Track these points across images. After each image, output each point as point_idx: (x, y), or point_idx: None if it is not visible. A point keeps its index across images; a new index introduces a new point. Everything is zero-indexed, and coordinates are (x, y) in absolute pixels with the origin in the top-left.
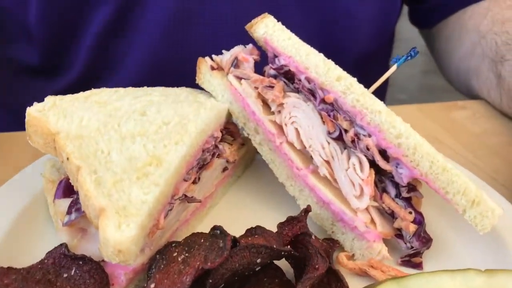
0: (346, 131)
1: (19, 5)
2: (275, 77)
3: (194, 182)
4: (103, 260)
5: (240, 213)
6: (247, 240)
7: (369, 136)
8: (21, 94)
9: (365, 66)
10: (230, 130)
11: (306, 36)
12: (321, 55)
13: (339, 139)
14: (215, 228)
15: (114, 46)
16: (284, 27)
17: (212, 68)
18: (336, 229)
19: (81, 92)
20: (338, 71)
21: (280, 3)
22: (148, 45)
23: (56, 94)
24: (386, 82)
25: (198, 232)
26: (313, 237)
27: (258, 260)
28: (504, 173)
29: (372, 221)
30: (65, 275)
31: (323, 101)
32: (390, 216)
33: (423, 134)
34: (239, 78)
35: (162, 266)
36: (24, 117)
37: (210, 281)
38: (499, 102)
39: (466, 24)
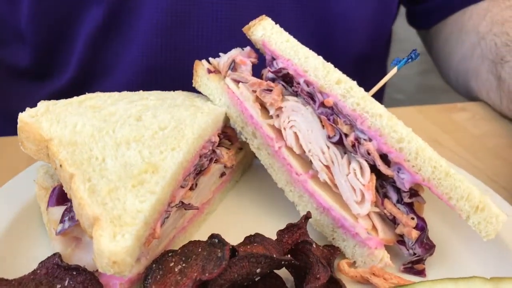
0: (346, 135)
1: (9, 7)
2: (273, 80)
3: (191, 189)
4: (97, 271)
5: (238, 219)
6: (246, 249)
7: (370, 140)
8: (14, 98)
9: (363, 67)
10: (227, 134)
11: (302, 37)
12: (320, 57)
13: (339, 143)
14: (213, 236)
15: (107, 48)
16: (282, 29)
17: (209, 71)
18: (337, 235)
19: (75, 97)
20: (337, 74)
21: (276, 5)
22: (143, 47)
23: (49, 97)
24: (383, 83)
25: (195, 241)
26: (314, 245)
27: (258, 270)
28: (505, 175)
29: (374, 227)
30: (58, 286)
31: (322, 104)
32: (392, 222)
33: (422, 136)
34: (237, 82)
35: (158, 277)
36: (17, 121)
37: None
38: (499, 104)
39: (465, 25)
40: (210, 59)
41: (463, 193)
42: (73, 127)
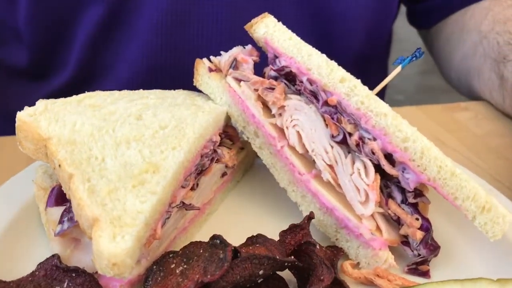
0: (350, 134)
1: (7, 7)
2: (275, 78)
3: (192, 189)
4: (97, 272)
5: (240, 219)
6: (248, 250)
7: (374, 139)
8: (12, 98)
9: (363, 67)
10: (229, 133)
11: (301, 37)
12: (324, 55)
13: (343, 142)
14: (214, 237)
15: (106, 48)
16: (285, 27)
17: (210, 70)
18: (340, 236)
19: (74, 96)
20: (341, 72)
21: (275, 3)
22: (143, 47)
23: (48, 97)
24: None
25: (196, 241)
26: (317, 246)
27: (260, 272)
28: (508, 175)
29: (378, 228)
30: None
31: (326, 103)
32: (396, 222)
33: (425, 136)
34: (238, 80)
35: (159, 279)
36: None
37: None
38: (502, 103)
39: (467, 24)
40: (211, 57)
41: (469, 193)
42: (72, 126)
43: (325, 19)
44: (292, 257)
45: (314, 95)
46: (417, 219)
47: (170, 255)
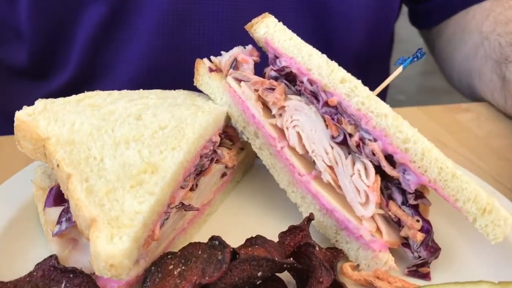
0: (350, 135)
1: (8, 6)
2: (276, 79)
3: (191, 189)
4: (95, 273)
5: (239, 220)
6: (247, 251)
7: (375, 140)
8: (12, 97)
9: (364, 68)
10: (229, 134)
11: (302, 37)
12: (324, 56)
13: (343, 143)
14: (213, 238)
15: (107, 47)
16: (285, 27)
17: (211, 70)
18: (340, 238)
19: (73, 95)
20: (342, 72)
21: (276, 3)
22: (143, 46)
23: (48, 97)
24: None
25: (195, 242)
26: (316, 248)
27: (259, 274)
28: (510, 176)
29: (378, 229)
30: None
31: (326, 104)
32: (397, 224)
33: (426, 137)
34: (239, 80)
35: (157, 280)
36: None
37: None
38: (504, 105)
39: (468, 24)
40: (212, 57)
41: (470, 195)
42: (71, 126)
43: (326, 19)
44: (291, 258)
45: (315, 96)
46: (417, 220)
47: (169, 256)
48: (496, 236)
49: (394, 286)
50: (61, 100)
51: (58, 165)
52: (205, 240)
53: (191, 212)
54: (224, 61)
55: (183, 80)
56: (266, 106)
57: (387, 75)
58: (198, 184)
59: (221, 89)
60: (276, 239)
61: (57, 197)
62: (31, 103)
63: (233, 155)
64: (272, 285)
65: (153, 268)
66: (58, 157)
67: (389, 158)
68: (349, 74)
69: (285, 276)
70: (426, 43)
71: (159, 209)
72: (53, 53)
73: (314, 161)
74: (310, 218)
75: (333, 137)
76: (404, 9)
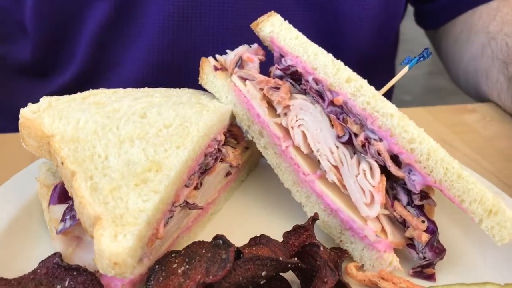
0: (356, 135)
1: (14, 2)
2: (281, 78)
3: (196, 188)
4: (98, 271)
5: (244, 220)
6: (251, 251)
7: (380, 140)
8: (17, 95)
9: (369, 67)
10: (233, 133)
11: (307, 35)
12: (330, 55)
13: (349, 143)
14: (217, 237)
15: (112, 45)
16: (291, 26)
17: (216, 69)
18: (344, 238)
19: (78, 93)
20: (347, 72)
21: (281, 2)
22: (148, 45)
23: (53, 95)
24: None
25: (199, 241)
26: (321, 248)
27: (263, 273)
28: None
29: (383, 230)
30: (58, 287)
31: (331, 103)
32: (402, 224)
33: (432, 137)
34: (244, 79)
35: (161, 279)
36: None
37: None
38: (510, 105)
39: (475, 24)
40: (217, 56)
41: (476, 196)
42: (75, 124)
43: (331, 19)
44: (296, 258)
45: (320, 95)
46: (423, 221)
47: (173, 255)
48: (502, 237)
49: (398, 287)
50: (66, 97)
51: (62, 163)
52: (209, 238)
53: (195, 210)
54: (229, 59)
55: (188, 78)
56: (271, 105)
57: (392, 75)
58: (203, 182)
59: (226, 87)
60: (280, 239)
61: (62, 195)
62: (36, 101)
63: (238, 154)
64: (276, 284)
65: (157, 266)
66: (63, 154)
67: (395, 158)
68: (354, 74)
69: (290, 276)
70: (432, 44)
71: (163, 208)
72: (57, 51)
73: (319, 160)
74: (314, 218)
75: (338, 137)
76: (410, 9)
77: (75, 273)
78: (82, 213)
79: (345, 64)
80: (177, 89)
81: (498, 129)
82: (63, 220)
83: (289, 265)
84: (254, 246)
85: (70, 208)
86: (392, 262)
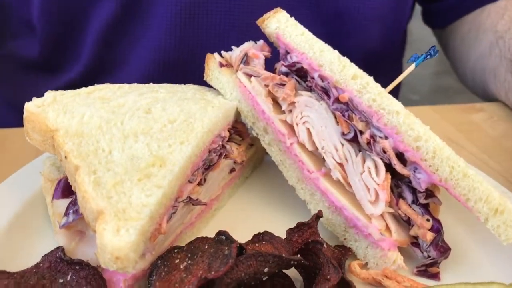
0: (361, 132)
1: (21, 1)
2: (286, 74)
3: (199, 184)
4: (101, 266)
5: (247, 216)
6: (254, 247)
7: (386, 138)
8: (24, 90)
9: (375, 66)
10: (238, 129)
11: (313, 32)
12: (336, 52)
13: (354, 140)
14: (220, 233)
15: (119, 42)
16: (297, 22)
17: (221, 65)
18: (348, 236)
19: (83, 88)
20: (353, 69)
21: (286, 1)
22: (154, 41)
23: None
24: (399, 82)
25: (202, 237)
26: (324, 245)
27: (266, 269)
28: None
29: (387, 228)
30: (60, 281)
31: (337, 100)
32: (406, 223)
33: (438, 136)
34: (249, 75)
35: (163, 274)
36: None
37: None
38: None
39: (483, 23)
40: (222, 52)
41: (481, 195)
42: (80, 118)
43: (338, 16)
44: (299, 255)
45: (325, 92)
46: (427, 220)
47: (175, 250)
48: (508, 237)
49: (402, 286)
50: (70, 92)
51: (66, 157)
52: (212, 234)
53: (198, 206)
54: (234, 56)
55: (194, 75)
56: (276, 102)
57: (399, 74)
58: (206, 178)
59: (231, 84)
60: (283, 236)
61: (65, 189)
62: (41, 96)
63: (242, 151)
64: (278, 281)
65: (159, 262)
66: (67, 148)
67: (400, 156)
68: (361, 71)
69: (292, 272)
70: (439, 43)
71: (166, 203)
72: (64, 48)
73: (323, 158)
74: (318, 215)
75: (343, 134)
76: (418, 9)
77: (77, 267)
78: (85, 207)
79: (352, 61)
80: (182, 85)
81: (505, 129)
82: (66, 214)
83: (291, 262)
84: (257, 242)
85: (74, 203)
86: (396, 261)
